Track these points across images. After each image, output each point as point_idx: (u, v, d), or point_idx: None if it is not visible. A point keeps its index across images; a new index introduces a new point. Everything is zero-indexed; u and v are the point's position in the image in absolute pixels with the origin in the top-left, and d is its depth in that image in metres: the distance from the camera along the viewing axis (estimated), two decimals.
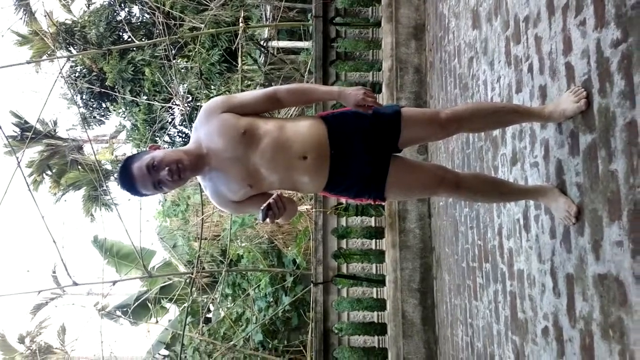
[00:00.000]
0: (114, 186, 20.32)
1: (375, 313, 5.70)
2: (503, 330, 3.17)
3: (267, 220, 2.13)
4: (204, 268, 9.83)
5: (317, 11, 6.02)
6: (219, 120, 2.26)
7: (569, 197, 2.27)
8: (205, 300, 10.28)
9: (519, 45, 2.88)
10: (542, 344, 2.54)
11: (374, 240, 5.83)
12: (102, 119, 16.27)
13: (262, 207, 2.11)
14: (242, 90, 8.59)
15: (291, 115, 7.20)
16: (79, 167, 19.01)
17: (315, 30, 5.99)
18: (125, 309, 15.28)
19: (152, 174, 2.17)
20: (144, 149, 2.60)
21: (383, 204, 2.78)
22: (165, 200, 14.12)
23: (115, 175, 20.39)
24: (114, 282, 7.91)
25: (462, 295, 4.19)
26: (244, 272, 9.59)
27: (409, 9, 5.78)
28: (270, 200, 2.11)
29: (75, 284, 6.76)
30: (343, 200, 5.79)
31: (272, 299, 8.88)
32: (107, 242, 15.91)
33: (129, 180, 2.20)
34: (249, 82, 9.79)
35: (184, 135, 14.18)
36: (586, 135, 2.12)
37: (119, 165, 2.27)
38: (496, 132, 3.28)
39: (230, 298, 10.01)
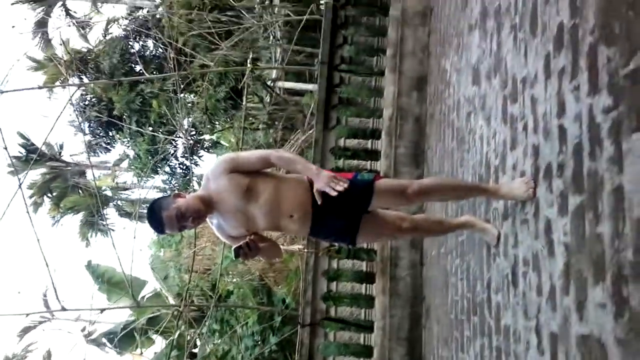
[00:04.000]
0: (111, 212, 20.31)
1: None
2: None
3: (240, 258, 2.76)
4: (192, 302, 9.75)
5: (323, 57, 6.17)
6: (227, 179, 2.83)
7: (493, 225, 3.05)
8: (192, 335, 10.15)
9: (515, 104, 2.95)
10: None
11: (364, 285, 5.82)
12: (107, 146, 16.43)
13: (234, 247, 2.73)
14: (245, 128, 8.72)
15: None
16: (80, 191, 19.07)
17: (320, 75, 6.14)
18: (112, 337, 15.08)
19: (179, 221, 2.78)
20: (168, 194, 3.47)
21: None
22: None
23: (114, 202, 20.46)
24: (102, 310, 7.87)
25: (450, 347, 4.16)
26: (232, 309, 9.51)
27: (413, 61, 5.93)
28: (242, 242, 2.72)
29: (64, 309, 6.72)
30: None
31: (259, 338, 8.78)
32: (99, 268, 15.83)
33: (158, 223, 2.82)
34: (253, 120, 9.92)
35: (184, 167, 14.27)
36: (575, 197, 2.16)
37: (148, 208, 2.90)
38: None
39: (217, 334, 9.89)
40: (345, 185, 2.74)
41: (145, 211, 3.00)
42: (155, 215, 2.81)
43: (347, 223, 3.00)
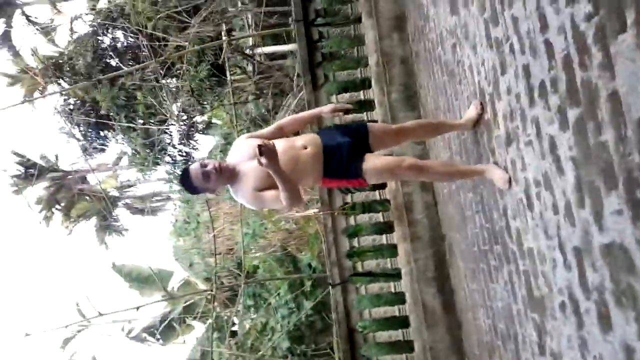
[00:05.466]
0: (122, 212, 20.40)
1: (396, 307, 5.72)
2: (522, 309, 3.19)
3: (262, 160, 2.94)
4: (222, 283, 9.87)
5: (297, 15, 6.03)
6: (246, 143, 3.36)
7: (503, 169, 3.11)
8: (228, 315, 10.33)
9: (497, 26, 2.89)
10: (562, 319, 2.56)
11: (384, 236, 5.85)
12: (102, 147, 16.31)
13: (257, 144, 2.95)
14: (235, 103, 8.64)
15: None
16: (87, 197, 19.13)
17: (298, 35, 6.02)
18: (152, 330, 15.40)
19: (204, 169, 3.19)
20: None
21: (366, 186, 3.93)
22: (177, 220, 14.19)
23: (123, 202, 20.55)
24: (137, 308, 7.97)
25: (478, 279, 4.21)
26: (262, 282, 9.63)
27: (388, 1, 5.77)
28: (260, 142, 3.00)
29: (100, 314, 6.82)
30: (348, 199, 5.84)
31: (293, 305, 8.92)
32: (125, 267, 16.02)
33: (186, 177, 3.27)
34: (241, 94, 9.81)
35: (185, 154, 14.20)
36: (573, 109, 2.14)
37: (181, 170, 3.56)
38: (488, 116, 3.30)
39: (252, 309, 10.06)
40: (349, 107, 3.82)
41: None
42: (184, 172, 3.32)
43: (353, 155, 3.34)
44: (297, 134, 3.82)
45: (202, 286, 13.45)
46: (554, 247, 2.53)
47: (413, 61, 5.65)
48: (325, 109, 3.58)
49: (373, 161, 3.34)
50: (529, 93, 2.58)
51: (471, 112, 3.44)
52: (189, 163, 3.96)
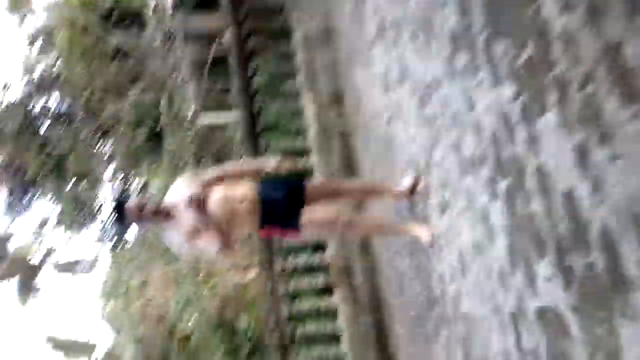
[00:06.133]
0: (50, 271, 19.35)
1: None
2: None
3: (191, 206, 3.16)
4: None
5: (239, 91, 6.20)
6: (183, 186, 3.39)
7: (426, 228, 3.35)
8: None
9: (429, 105, 3.08)
10: None
11: (325, 299, 5.84)
12: (28, 205, 15.67)
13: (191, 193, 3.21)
14: (174, 169, 8.58)
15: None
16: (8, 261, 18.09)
17: (240, 108, 6.16)
18: None
19: (140, 208, 3.27)
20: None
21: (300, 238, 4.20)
22: (106, 281, 13.63)
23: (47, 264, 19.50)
24: None
25: (417, 343, 4.24)
26: (194, 353, 9.28)
27: (326, 78, 5.99)
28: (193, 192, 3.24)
29: None
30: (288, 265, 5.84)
31: None
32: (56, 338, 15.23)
33: (122, 211, 3.28)
34: (178, 161, 9.75)
35: (116, 224, 13.74)
36: (502, 181, 2.31)
37: (114, 203, 3.36)
38: (422, 185, 3.44)
39: None
40: (293, 164, 3.89)
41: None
42: (120, 205, 3.32)
43: (289, 208, 3.43)
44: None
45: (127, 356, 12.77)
46: (489, 311, 2.62)
47: (352, 132, 5.85)
48: (269, 164, 3.66)
49: (311, 215, 3.45)
50: (460, 165, 2.75)
51: (406, 183, 3.61)
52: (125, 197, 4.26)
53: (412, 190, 3.58)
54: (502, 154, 2.29)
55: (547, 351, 2.10)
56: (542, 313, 2.11)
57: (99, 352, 14.66)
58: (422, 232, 3.41)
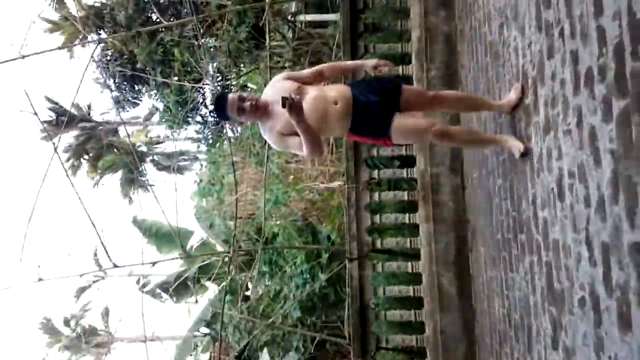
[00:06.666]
0: (149, 167, 20.59)
1: (411, 287, 5.70)
2: (540, 301, 3.13)
3: (285, 108, 3.01)
4: (240, 247, 9.94)
5: None
6: (281, 84, 3.41)
7: (520, 141, 3.26)
8: (243, 279, 10.42)
9: (549, 9, 2.78)
10: (579, 315, 2.51)
11: (407, 215, 5.80)
12: (135, 100, 16.35)
13: (282, 96, 3.03)
14: (271, 68, 8.59)
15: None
16: (115, 150, 19.33)
17: (342, 3, 5.91)
18: (166, 287, 15.64)
19: (241, 101, 3.29)
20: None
21: (390, 146, 4.33)
22: (201, 181, 14.27)
23: (150, 157, 20.78)
24: (154, 264, 8.07)
25: (498, 267, 4.15)
26: (279, 250, 9.68)
27: None
28: (288, 93, 3.08)
29: (115, 266, 6.92)
30: (375, 175, 5.79)
31: (308, 276, 8.94)
32: (146, 222, 16.21)
33: (223, 101, 3.34)
34: (278, 59, 9.73)
35: (215, 115, 14.15)
36: (619, 101, 2.06)
37: (218, 94, 3.57)
38: (529, 100, 3.21)
39: (267, 276, 10.12)
40: (392, 66, 3.69)
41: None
42: (220, 98, 3.43)
43: (382, 114, 3.35)
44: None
45: (219, 248, 13.56)
46: (580, 241, 2.46)
47: (456, 39, 5.52)
48: (368, 62, 3.58)
49: (403, 121, 3.38)
50: (575, 80, 2.49)
51: (512, 95, 3.38)
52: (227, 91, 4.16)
53: (517, 105, 3.34)
54: (624, 70, 2.02)
55: (637, 288, 1.93)
56: (638, 247, 1.93)
57: (194, 241, 15.63)
58: (518, 144, 3.26)
